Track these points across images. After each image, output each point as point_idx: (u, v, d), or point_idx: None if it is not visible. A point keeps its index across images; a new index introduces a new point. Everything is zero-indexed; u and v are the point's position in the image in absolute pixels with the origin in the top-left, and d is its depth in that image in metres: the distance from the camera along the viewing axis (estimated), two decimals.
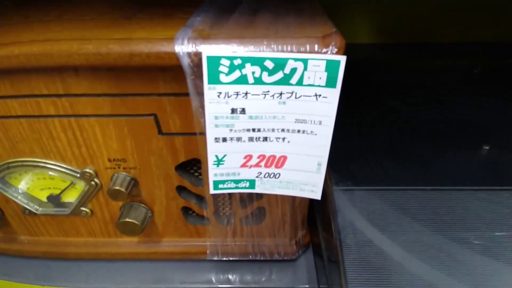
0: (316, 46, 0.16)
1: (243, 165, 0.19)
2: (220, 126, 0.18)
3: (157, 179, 0.23)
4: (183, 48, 0.16)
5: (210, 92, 0.17)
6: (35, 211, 0.25)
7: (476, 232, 0.21)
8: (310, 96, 0.17)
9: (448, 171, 0.25)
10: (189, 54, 0.16)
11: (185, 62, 0.16)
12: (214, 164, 0.19)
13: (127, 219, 0.23)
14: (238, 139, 0.18)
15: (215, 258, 0.27)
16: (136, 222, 0.24)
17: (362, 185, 0.23)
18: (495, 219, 0.21)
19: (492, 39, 0.48)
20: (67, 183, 0.24)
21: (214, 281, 0.27)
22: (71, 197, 0.25)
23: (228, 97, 0.17)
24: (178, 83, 0.18)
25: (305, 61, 0.16)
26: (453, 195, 0.23)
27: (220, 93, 0.17)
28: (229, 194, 0.24)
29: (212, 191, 0.20)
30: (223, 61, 0.16)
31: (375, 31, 0.49)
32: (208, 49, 0.16)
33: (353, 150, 0.26)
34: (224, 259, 0.28)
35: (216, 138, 0.18)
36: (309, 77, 0.16)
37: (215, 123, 0.18)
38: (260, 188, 0.21)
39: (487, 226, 0.21)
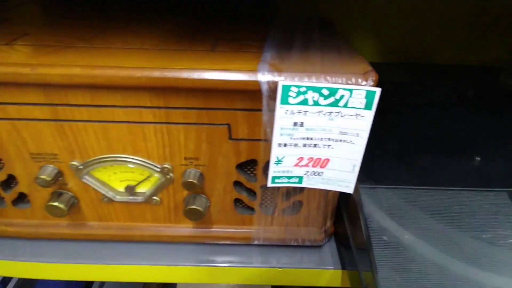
0: (359, 80, 0.22)
1: (296, 165, 0.25)
2: (284, 134, 0.24)
3: (219, 175, 0.29)
4: (263, 78, 0.22)
5: (280, 110, 0.23)
6: (113, 199, 0.31)
7: (475, 226, 0.27)
8: (352, 115, 0.23)
9: (446, 175, 0.31)
10: (268, 82, 0.22)
11: (264, 87, 0.22)
12: (274, 163, 0.25)
13: (194, 207, 0.29)
14: (295, 145, 0.24)
15: (256, 243, 0.33)
16: (200, 209, 0.29)
17: (381, 184, 0.29)
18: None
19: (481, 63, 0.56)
20: (145, 176, 0.30)
21: (254, 262, 0.33)
22: (144, 188, 0.31)
23: (292, 114, 0.23)
24: (251, 101, 0.24)
25: (351, 91, 0.22)
26: (449, 194, 0.29)
27: (287, 111, 0.23)
28: (275, 188, 0.30)
29: (270, 184, 0.26)
30: (292, 88, 0.22)
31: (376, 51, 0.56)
32: (282, 80, 0.22)
33: (373, 156, 0.32)
34: (264, 244, 0.33)
35: (279, 144, 0.24)
36: (352, 102, 0.23)
37: (280, 133, 0.24)
38: (306, 183, 0.26)
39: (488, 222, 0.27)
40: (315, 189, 0.29)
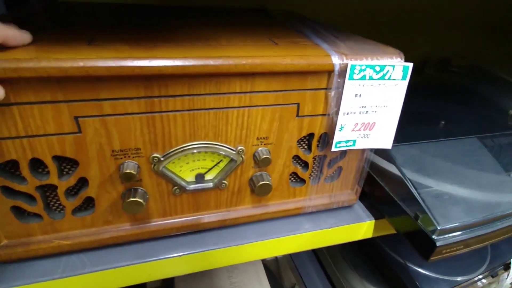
0: (398, 58, 0.31)
1: (352, 130, 0.32)
2: (347, 105, 0.30)
3: (282, 151, 0.34)
4: (337, 60, 0.29)
5: (348, 84, 0.29)
6: (186, 189, 0.32)
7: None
8: (392, 85, 0.31)
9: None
10: (340, 64, 0.29)
11: (337, 68, 0.29)
12: (339, 130, 0.31)
13: (266, 182, 0.33)
14: (354, 113, 0.31)
15: (307, 211, 0.38)
16: (269, 183, 0.33)
17: (402, 142, 0.38)
18: None
19: None
20: (215, 162, 0.33)
21: (307, 227, 0.38)
22: (211, 175, 0.33)
23: (355, 87, 0.30)
24: (318, 82, 0.30)
25: (393, 66, 0.30)
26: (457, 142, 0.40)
27: (352, 85, 0.30)
28: (322, 158, 0.36)
29: (333, 149, 0.32)
30: (357, 67, 0.29)
31: None
32: (351, 61, 0.29)
33: None
34: (312, 211, 0.39)
35: (344, 113, 0.31)
36: (394, 75, 0.31)
37: (346, 103, 0.30)
38: (358, 145, 0.33)
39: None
40: (353, 154, 0.36)
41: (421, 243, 0.35)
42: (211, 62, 0.25)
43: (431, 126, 0.44)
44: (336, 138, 0.32)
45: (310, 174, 0.37)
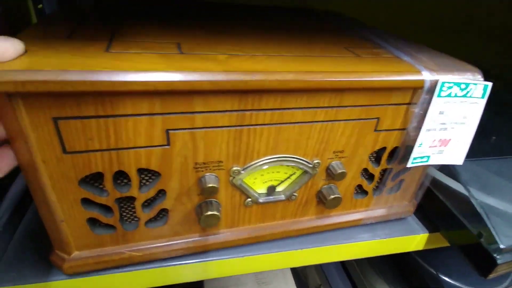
0: (479, 76, 0.30)
1: (430, 146, 0.32)
2: (431, 121, 0.30)
3: (353, 164, 0.33)
4: (428, 76, 0.28)
5: (434, 101, 0.29)
6: (258, 201, 0.31)
7: None
8: (472, 103, 0.31)
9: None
10: (430, 81, 0.28)
11: (427, 84, 0.28)
12: (418, 146, 0.31)
13: (337, 195, 0.32)
14: (434, 129, 0.31)
15: (367, 223, 0.38)
16: (340, 196, 0.33)
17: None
18: None
19: None
20: (288, 174, 0.32)
21: (366, 237, 0.38)
22: (282, 187, 0.33)
23: (440, 104, 0.29)
24: (402, 97, 0.29)
25: (476, 84, 0.30)
26: None
27: (439, 102, 0.29)
28: (388, 171, 0.35)
29: (409, 164, 0.32)
30: (446, 84, 0.28)
31: None
32: (442, 77, 0.28)
33: None
34: (371, 222, 0.38)
35: (427, 129, 0.30)
36: (474, 93, 0.30)
37: (430, 120, 0.30)
38: (431, 161, 0.33)
39: None
40: (417, 168, 0.36)
41: (481, 260, 0.35)
42: (311, 77, 0.24)
43: (495, 142, 0.44)
44: (414, 154, 0.32)
45: (374, 187, 0.37)
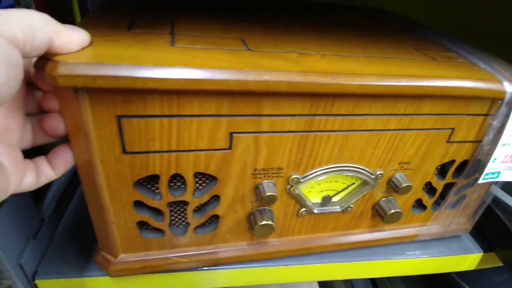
0: None
1: (501, 162, 0.29)
2: (507, 136, 0.27)
3: (417, 177, 0.30)
4: (509, 88, 0.25)
5: None
6: (314, 211, 0.29)
7: None
8: None
9: None
10: (511, 93, 0.25)
11: (508, 96, 0.25)
12: (492, 161, 0.28)
13: (398, 210, 0.30)
14: (509, 144, 0.28)
15: (421, 239, 0.35)
16: (401, 211, 0.30)
17: None
18: None
19: None
20: (345, 185, 0.30)
21: (419, 253, 0.35)
22: (337, 197, 0.30)
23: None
24: (480, 107, 0.27)
25: None
26: None
27: None
28: (451, 185, 0.33)
29: (481, 180, 0.29)
30: None
31: None
32: None
33: None
34: (425, 239, 0.36)
35: (502, 144, 0.27)
36: None
37: (507, 134, 0.27)
38: (501, 177, 0.30)
39: None
40: (481, 184, 0.33)
41: None
42: (395, 81, 0.22)
43: None
44: (487, 170, 0.29)
45: (434, 201, 0.34)
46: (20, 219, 0.27)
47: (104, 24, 0.24)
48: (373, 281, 0.72)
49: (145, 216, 0.26)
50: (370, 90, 0.22)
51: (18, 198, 0.27)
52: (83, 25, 0.22)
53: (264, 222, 0.27)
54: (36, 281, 0.29)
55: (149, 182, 0.25)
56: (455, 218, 0.36)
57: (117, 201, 0.24)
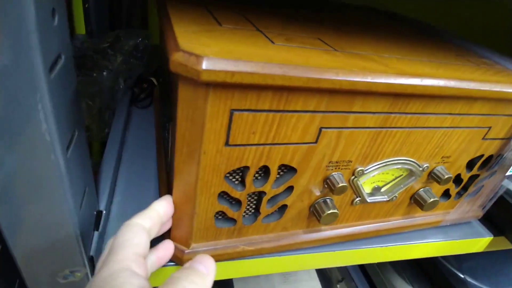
0: None
1: None
2: None
3: (452, 170, 0.34)
4: None
5: None
6: (367, 200, 0.32)
7: None
8: None
9: None
10: None
11: None
12: None
13: (436, 199, 0.33)
14: None
15: (443, 225, 0.39)
16: (438, 199, 0.34)
17: None
18: None
19: None
20: (394, 176, 0.32)
21: (441, 237, 0.39)
22: (385, 187, 0.33)
23: None
24: None
25: None
26: None
27: None
28: (474, 177, 0.37)
29: (508, 173, 0.33)
30: None
31: None
32: None
33: None
34: (446, 224, 0.40)
35: None
36: None
37: None
38: None
39: None
40: (497, 176, 0.38)
41: None
42: (468, 85, 0.25)
43: None
44: None
45: (458, 192, 0.38)
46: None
47: (191, 17, 0.24)
48: (362, 267, 0.78)
49: (224, 207, 0.26)
50: (446, 92, 0.24)
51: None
52: (179, 24, 0.22)
53: (331, 211, 0.29)
54: None
55: (231, 173, 0.26)
56: (471, 206, 0.41)
57: (205, 191, 0.24)
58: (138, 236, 0.22)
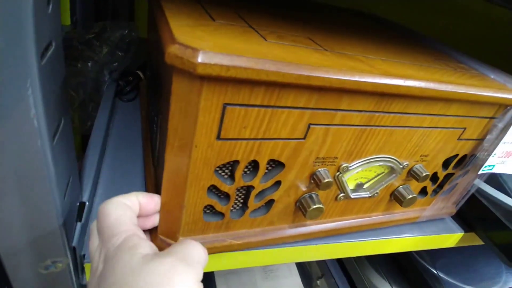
0: None
1: (498, 157, 0.35)
2: (510, 136, 0.33)
3: (429, 168, 0.36)
4: None
5: None
6: (349, 196, 0.33)
7: None
8: None
9: None
10: None
11: None
12: (492, 156, 0.34)
13: (414, 195, 0.35)
14: (510, 142, 0.34)
15: (420, 221, 0.41)
16: (416, 196, 0.35)
17: None
18: None
19: None
20: (376, 173, 0.34)
21: (417, 232, 0.41)
22: (367, 184, 0.34)
23: None
24: (490, 111, 0.33)
25: None
26: None
27: None
28: (449, 176, 0.39)
29: (480, 171, 0.35)
30: None
31: None
32: None
33: None
34: (422, 220, 0.42)
35: (504, 142, 0.34)
36: None
37: (510, 134, 0.33)
38: (495, 169, 0.37)
39: None
40: (469, 175, 0.40)
41: None
42: (447, 87, 0.26)
43: None
44: (487, 163, 0.35)
45: (434, 189, 0.40)
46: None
47: (185, 12, 0.25)
48: (340, 261, 0.80)
49: (213, 200, 0.27)
50: (427, 93, 0.26)
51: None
52: (173, 18, 0.23)
53: (317, 206, 0.30)
54: (86, 265, 0.28)
55: (221, 167, 0.26)
56: (445, 203, 0.43)
57: (194, 185, 0.25)
58: (128, 211, 0.22)
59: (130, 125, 0.46)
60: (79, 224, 0.29)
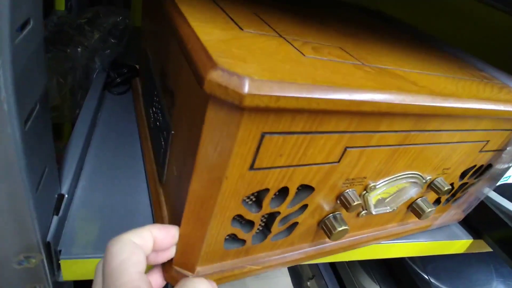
0: None
1: None
2: None
3: (449, 179, 0.35)
4: None
5: None
6: (373, 212, 0.31)
7: None
8: None
9: None
10: None
11: None
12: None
13: (433, 208, 0.34)
14: None
15: (431, 228, 0.41)
16: (434, 208, 0.34)
17: None
18: None
19: None
20: (398, 188, 0.32)
21: (427, 238, 0.41)
22: (388, 199, 0.33)
23: None
24: (510, 123, 0.32)
25: None
26: None
27: None
28: (464, 185, 0.38)
29: (499, 182, 0.35)
30: None
31: None
32: None
33: None
34: (433, 228, 0.41)
35: None
36: None
37: None
38: (511, 180, 0.36)
39: None
40: (480, 184, 0.39)
41: None
42: (484, 106, 0.25)
43: None
44: (508, 173, 0.35)
45: (447, 198, 0.39)
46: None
47: (205, 14, 0.21)
48: (333, 265, 0.80)
49: (237, 229, 0.24)
50: (468, 112, 0.24)
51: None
52: (188, 13, 0.19)
53: (342, 228, 0.28)
54: (62, 261, 0.25)
55: (248, 195, 0.23)
56: (457, 210, 0.43)
57: (219, 216, 0.22)
58: (135, 255, 0.20)
59: (119, 118, 0.42)
60: (56, 218, 0.26)
